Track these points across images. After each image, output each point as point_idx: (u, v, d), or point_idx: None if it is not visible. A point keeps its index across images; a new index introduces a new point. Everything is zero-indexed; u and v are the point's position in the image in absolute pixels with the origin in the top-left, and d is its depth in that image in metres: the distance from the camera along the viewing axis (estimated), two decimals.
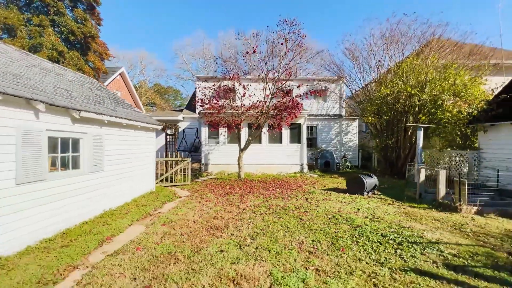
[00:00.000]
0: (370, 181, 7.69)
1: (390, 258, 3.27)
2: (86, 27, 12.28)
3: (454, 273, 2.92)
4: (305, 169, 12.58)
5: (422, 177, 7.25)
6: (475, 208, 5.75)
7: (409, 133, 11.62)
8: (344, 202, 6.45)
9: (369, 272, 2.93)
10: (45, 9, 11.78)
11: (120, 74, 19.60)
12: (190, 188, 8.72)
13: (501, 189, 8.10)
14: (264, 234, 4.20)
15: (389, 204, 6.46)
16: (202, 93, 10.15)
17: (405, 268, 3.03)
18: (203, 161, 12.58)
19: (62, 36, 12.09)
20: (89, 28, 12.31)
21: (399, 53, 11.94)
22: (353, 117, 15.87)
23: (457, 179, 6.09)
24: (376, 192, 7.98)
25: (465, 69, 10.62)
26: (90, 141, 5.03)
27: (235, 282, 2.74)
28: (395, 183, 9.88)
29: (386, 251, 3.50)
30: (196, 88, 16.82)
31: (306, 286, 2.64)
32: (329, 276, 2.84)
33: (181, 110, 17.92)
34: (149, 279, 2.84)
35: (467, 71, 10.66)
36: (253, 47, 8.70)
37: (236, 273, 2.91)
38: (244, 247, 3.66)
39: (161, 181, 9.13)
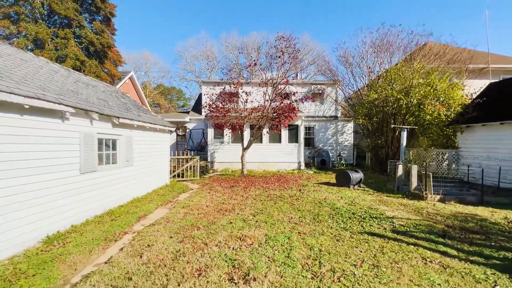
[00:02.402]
0: (356, 175, 8.88)
1: (353, 227, 4.49)
2: (104, 38, 13.60)
3: (395, 235, 4.13)
4: (302, 167, 13.77)
5: (400, 172, 8.43)
6: (438, 196, 6.92)
7: (396, 134, 12.75)
8: (331, 193, 7.66)
9: (335, 234, 4.16)
10: (65, 21, 13.08)
11: (129, 77, 20.93)
12: (199, 182, 9.97)
13: (473, 182, 9.27)
14: (262, 213, 5.43)
15: (369, 194, 7.65)
16: (210, 99, 11.38)
17: (362, 232, 4.25)
18: (209, 159, 13.83)
19: (82, 46, 13.41)
20: (106, 39, 13.63)
21: (388, 60, 13.06)
22: (348, 119, 17.01)
23: (436, 173, 7.28)
24: (361, 185, 9.16)
25: (446, 75, 11.74)
26: (124, 141, 6.29)
27: (241, 239, 3.97)
28: (381, 178, 11.03)
29: (352, 222, 4.71)
30: (201, 92, 18.12)
31: (290, 241, 3.87)
32: (307, 236, 4.07)
33: (188, 112, 19.21)
34: (182, 238, 4.08)
35: (448, 76, 11.78)
36: (254, 60, 9.95)
37: (242, 234, 4.14)
38: (247, 221, 4.90)
39: (174, 176, 10.40)
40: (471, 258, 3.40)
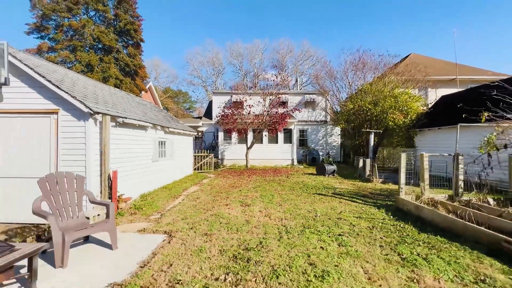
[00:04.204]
0: (330, 167, 12.06)
1: (310, 191, 7.73)
2: (136, 60, 17.08)
3: (332, 195, 7.35)
4: (295, 163, 16.98)
5: (361, 164, 11.58)
6: (381, 180, 10.06)
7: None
8: (309, 178, 10.88)
9: (299, 194, 7.41)
10: (107, 48, 16.55)
11: (148, 87, 24.40)
12: (214, 173, 13.27)
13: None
14: (259, 187, 8.70)
15: (336, 179, 10.84)
16: (221, 109, 14.71)
17: (314, 193, 7.48)
18: (220, 157, 17.14)
19: (119, 67, 16.89)
20: (138, 61, 17.10)
21: (363, 77, 16.19)
22: (335, 123, 20.13)
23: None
24: (335, 174, 12.32)
25: (410, 88, 14.84)
26: (169, 142, 9.62)
27: (246, 196, 7.24)
28: (354, 171, 14.16)
29: (311, 190, 7.96)
30: (212, 100, 21.54)
31: (272, 196, 7.13)
32: (283, 195, 7.33)
33: (200, 118, 22.61)
34: (213, 196, 7.37)
35: (412, 89, 14.87)
36: (254, 84, 13.22)
37: (245, 196, 7.40)
38: (249, 190, 8.17)
39: (195, 169, 13.72)
40: (366, 203, 6.58)
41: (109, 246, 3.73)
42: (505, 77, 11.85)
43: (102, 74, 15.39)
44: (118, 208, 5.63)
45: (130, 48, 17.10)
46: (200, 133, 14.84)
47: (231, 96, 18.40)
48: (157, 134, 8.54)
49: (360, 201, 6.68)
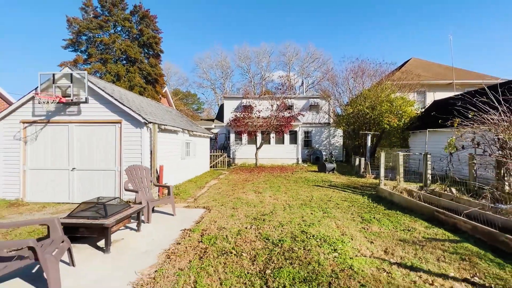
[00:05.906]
0: (330, 165, 13.69)
1: (310, 184, 9.43)
2: (157, 69, 19.11)
3: (329, 186, 9.03)
4: (300, 162, 18.63)
5: (357, 162, 13.17)
6: (373, 176, 11.63)
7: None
8: (311, 175, 12.55)
9: (300, 185, 9.12)
10: (132, 59, 18.63)
11: (164, 91, 26.39)
12: (228, 170, 15.09)
13: (413, 170, 13.79)
14: (268, 181, 10.45)
15: (334, 175, 12.48)
16: (234, 114, 16.54)
17: (313, 185, 9.18)
18: (231, 156, 18.96)
19: (142, 76, 18.94)
20: (159, 70, 19.13)
21: (362, 83, 17.70)
22: (337, 125, 21.65)
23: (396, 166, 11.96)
24: (335, 172, 13.93)
25: (406, 93, 16.27)
26: (192, 143, 11.48)
27: (258, 187, 9.01)
28: (353, 169, 15.72)
29: (311, 183, 9.65)
30: (223, 103, 23.43)
31: (279, 187, 8.87)
32: (287, 186, 9.06)
33: (213, 120, 24.54)
34: (231, 187, 9.17)
35: (407, 94, 16.30)
36: (264, 92, 14.95)
37: (257, 187, 9.17)
38: (260, 183, 9.93)
39: (211, 167, 15.58)
40: (354, 192, 8.23)
41: (169, 214, 5.57)
42: (493, 82, 13.19)
43: (129, 83, 17.46)
44: (162, 194, 7.49)
45: (151, 59, 19.15)
46: (214, 135, 16.67)
47: (241, 100, 20.27)
48: (184, 137, 10.41)
49: (350, 191, 8.34)
